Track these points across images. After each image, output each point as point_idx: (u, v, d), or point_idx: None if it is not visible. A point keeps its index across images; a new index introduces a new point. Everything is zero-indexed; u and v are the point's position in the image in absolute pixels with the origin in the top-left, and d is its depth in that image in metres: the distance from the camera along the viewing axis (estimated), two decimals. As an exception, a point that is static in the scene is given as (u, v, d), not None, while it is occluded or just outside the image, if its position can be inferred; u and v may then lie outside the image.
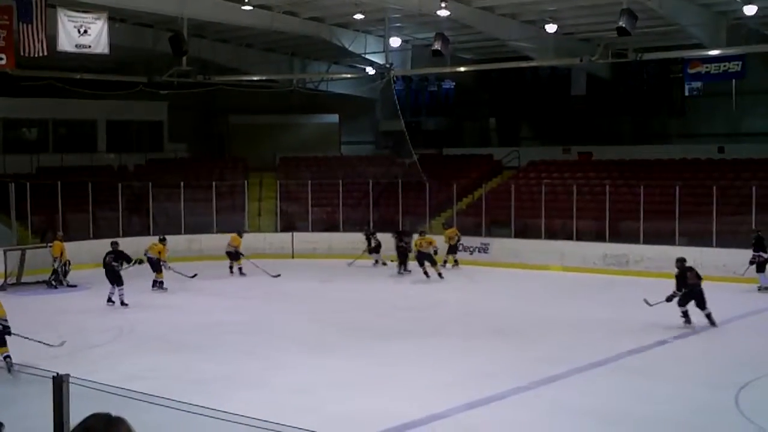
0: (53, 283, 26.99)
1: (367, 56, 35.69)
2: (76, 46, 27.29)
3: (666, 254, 27.42)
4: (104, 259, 24.11)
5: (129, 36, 32.16)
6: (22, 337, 16.53)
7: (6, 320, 16.26)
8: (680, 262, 20.59)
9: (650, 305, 20.37)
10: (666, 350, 18.22)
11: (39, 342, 16.91)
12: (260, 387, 15.13)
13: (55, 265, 27.15)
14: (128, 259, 24.49)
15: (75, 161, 38.39)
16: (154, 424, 3.57)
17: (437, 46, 28.98)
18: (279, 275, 28.23)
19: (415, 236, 29.71)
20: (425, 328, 20.66)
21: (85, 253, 29.85)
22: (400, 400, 14.22)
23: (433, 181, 35.70)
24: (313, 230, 35.33)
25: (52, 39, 26.70)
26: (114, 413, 3.52)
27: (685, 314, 20.03)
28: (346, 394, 14.80)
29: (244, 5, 28.94)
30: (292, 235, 34.97)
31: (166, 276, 26.69)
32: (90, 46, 27.51)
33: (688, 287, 19.99)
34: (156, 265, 26.51)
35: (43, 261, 27.80)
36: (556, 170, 36.45)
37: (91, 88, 35.63)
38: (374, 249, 32.09)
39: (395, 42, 34.59)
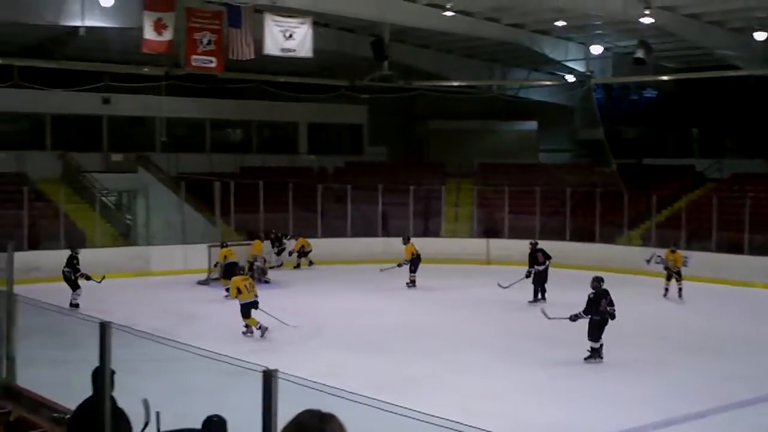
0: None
1: (567, 63, 35.32)
2: (282, 50, 28.17)
3: None
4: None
5: (332, 40, 32.82)
6: (265, 312, 19.87)
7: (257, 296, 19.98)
8: (597, 281, 17.85)
9: (548, 318, 18.80)
10: None
11: (276, 319, 20.01)
12: (449, 390, 15.24)
13: (255, 263, 28.03)
14: (76, 270, 23.45)
15: (277, 162, 39.56)
16: (351, 421, 3.64)
17: (640, 54, 28.51)
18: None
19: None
20: (616, 340, 20.24)
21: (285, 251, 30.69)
22: (593, 412, 14.05)
23: (631, 191, 34.92)
24: (509, 237, 35.07)
25: (258, 43, 27.66)
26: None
27: (593, 351, 17.59)
28: (536, 402, 14.74)
29: (445, 11, 29.18)
30: (488, 242, 34.85)
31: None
32: (295, 50, 28.36)
33: (599, 314, 17.46)
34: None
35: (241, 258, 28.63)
36: (761, 183, 35.05)
37: (293, 91, 36.61)
38: (278, 252, 32.11)
39: (596, 49, 34.12)
